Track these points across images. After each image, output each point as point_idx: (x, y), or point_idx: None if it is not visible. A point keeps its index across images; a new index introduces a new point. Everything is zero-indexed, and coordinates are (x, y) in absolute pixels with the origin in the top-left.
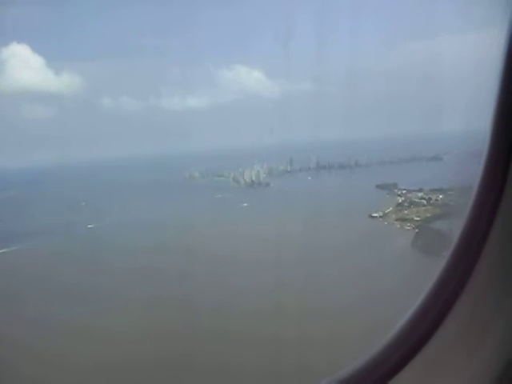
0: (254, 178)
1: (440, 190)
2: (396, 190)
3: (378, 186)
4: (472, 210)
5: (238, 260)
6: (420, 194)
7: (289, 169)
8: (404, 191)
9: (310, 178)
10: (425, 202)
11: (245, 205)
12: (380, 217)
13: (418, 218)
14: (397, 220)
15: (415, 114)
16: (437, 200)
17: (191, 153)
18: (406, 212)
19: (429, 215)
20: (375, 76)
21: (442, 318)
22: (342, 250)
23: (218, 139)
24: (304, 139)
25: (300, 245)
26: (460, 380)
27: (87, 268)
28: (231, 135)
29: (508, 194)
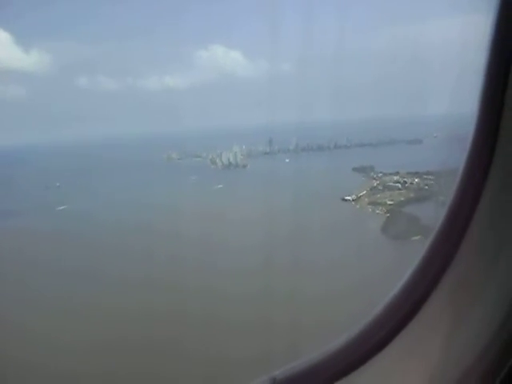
0: (231, 160)
1: (416, 174)
2: (372, 173)
3: (354, 169)
4: (457, 191)
5: (204, 240)
6: (396, 178)
7: (268, 150)
8: (380, 174)
9: (287, 160)
10: (399, 185)
11: (219, 186)
12: (353, 200)
13: (391, 202)
14: (369, 204)
15: (398, 97)
16: (412, 184)
17: (170, 133)
18: (379, 196)
19: (402, 199)
20: (357, 58)
21: (425, 299)
22: (310, 234)
23: (196, 119)
24: (284, 120)
25: (267, 227)
26: (445, 356)
27: (49, 247)
28: (210, 115)
29: (493, 175)
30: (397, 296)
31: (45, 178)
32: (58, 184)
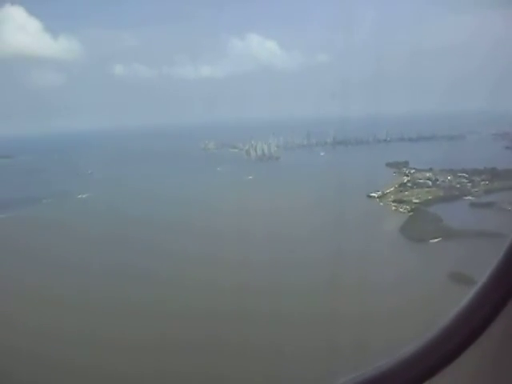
0: (265, 151)
1: (450, 171)
2: (404, 169)
3: (388, 164)
4: None
5: (225, 233)
6: (428, 175)
7: (305, 143)
8: (413, 170)
9: (322, 153)
10: (430, 183)
11: (250, 177)
12: (378, 197)
13: (417, 201)
14: (394, 201)
15: (442, 91)
16: (444, 181)
17: (208, 123)
18: (406, 193)
19: (430, 198)
20: (398, 51)
21: (492, 317)
22: (326, 231)
23: (234, 110)
24: (323, 113)
25: (287, 221)
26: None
27: (63, 236)
28: (248, 106)
29: None
30: (466, 309)
31: (78, 166)
32: (89, 171)
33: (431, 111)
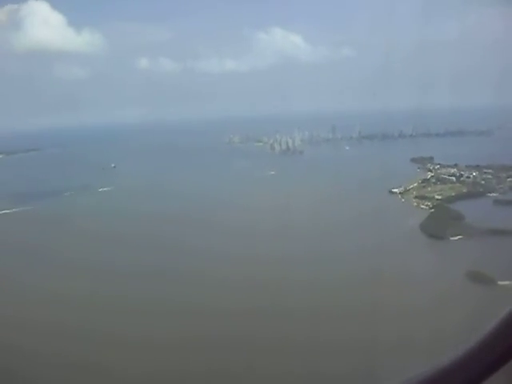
0: (289, 145)
1: (476, 167)
2: (429, 165)
3: (412, 160)
4: None
5: (245, 229)
6: (453, 171)
7: (330, 137)
8: (437, 166)
9: (347, 147)
10: (454, 179)
11: (272, 173)
12: (400, 193)
13: (440, 197)
14: (416, 197)
15: (471, 86)
16: (468, 177)
17: (232, 117)
18: (429, 189)
19: (453, 194)
20: (426, 44)
21: None
22: (344, 226)
23: (259, 103)
24: (349, 107)
25: (307, 216)
26: None
27: (79, 230)
28: (272, 100)
29: None
30: (493, 332)
31: (104, 159)
32: (113, 165)
33: (459, 106)
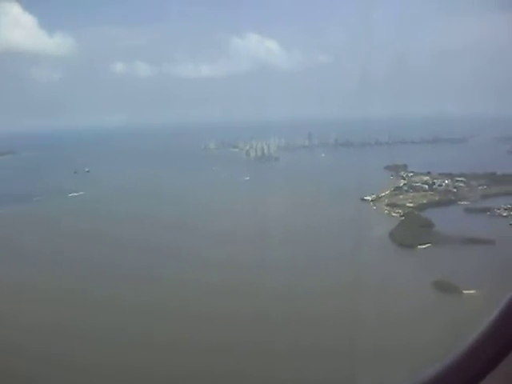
0: (265, 152)
1: (449, 175)
2: (402, 173)
3: (386, 167)
4: None
5: (214, 233)
6: (425, 178)
7: (306, 144)
8: (411, 174)
9: (323, 154)
10: (427, 187)
11: (246, 178)
12: (371, 200)
13: (411, 205)
14: (388, 205)
15: (447, 94)
16: (440, 185)
17: (209, 122)
18: (401, 197)
19: (424, 202)
20: (401, 53)
21: None
22: (314, 234)
23: (235, 109)
24: (325, 114)
25: (275, 223)
26: None
27: (44, 235)
28: (249, 106)
29: None
30: (493, 324)
31: (79, 163)
32: (87, 169)
33: (435, 114)
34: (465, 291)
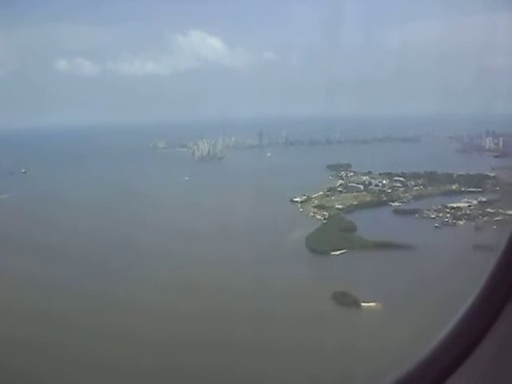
0: (210, 151)
1: (388, 175)
2: (343, 172)
3: (329, 167)
4: None
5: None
6: (364, 178)
7: (256, 143)
8: (351, 174)
9: (269, 154)
10: (362, 187)
11: (186, 178)
12: (300, 202)
13: (340, 206)
14: (316, 207)
15: (399, 92)
16: (377, 186)
17: (161, 121)
18: (332, 198)
19: (355, 203)
20: (351, 50)
21: (494, 318)
22: (230, 236)
23: (186, 108)
24: (277, 113)
25: (194, 224)
26: None
27: None
28: (200, 105)
29: None
30: (461, 321)
31: (17, 164)
32: (23, 170)
33: (389, 113)
34: (364, 304)
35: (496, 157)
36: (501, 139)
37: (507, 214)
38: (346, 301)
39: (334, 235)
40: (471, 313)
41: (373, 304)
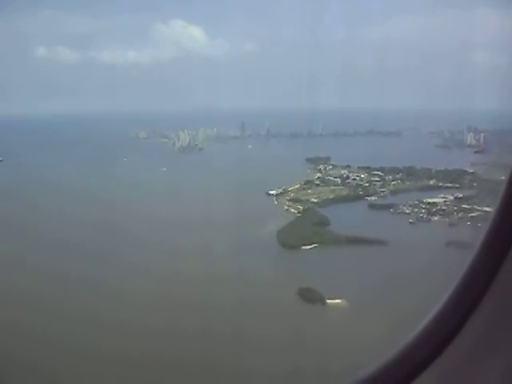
0: (191, 142)
1: (367, 169)
2: (321, 165)
3: (307, 160)
4: (500, 205)
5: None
6: (343, 171)
7: (238, 134)
8: (330, 167)
9: (250, 146)
10: (339, 180)
11: (164, 169)
12: (276, 194)
13: (315, 200)
14: (291, 200)
15: (382, 86)
16: (354, 179)
17: (144, 111)
18: (309, 191)
19: (331, 197)
20: (336, 42)
21: (466, 318)
22: (199, 229)
23: (167, 97)
24: (260, 104)
25: (163, 217)
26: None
27: None
28: (182, 94)
29: None
30: (433, 320)
31: None
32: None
33: (372, 107)
34: (329, 301)
35: (476, 152)
36: (482, 135)
37: (482, 211)
38: (311, 297)
39: (306, 229)
40: (445, 310)
41: (339, 301)
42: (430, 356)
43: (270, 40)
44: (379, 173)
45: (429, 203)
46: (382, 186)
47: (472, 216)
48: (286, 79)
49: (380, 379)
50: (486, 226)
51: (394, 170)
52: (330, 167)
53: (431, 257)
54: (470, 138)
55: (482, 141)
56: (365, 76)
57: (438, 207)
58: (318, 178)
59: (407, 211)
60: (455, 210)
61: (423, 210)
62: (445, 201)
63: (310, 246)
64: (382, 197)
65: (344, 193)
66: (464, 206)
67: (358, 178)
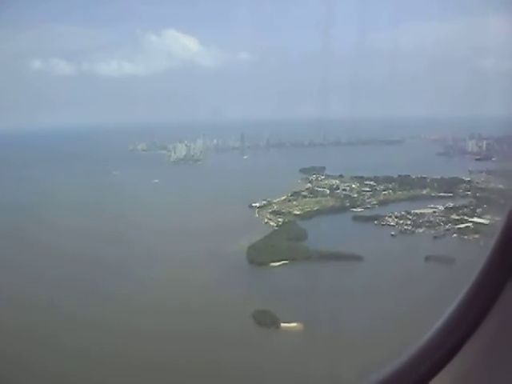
0: (187, 154)
1: (360, 178)
2: (313, 176)
3: (301, 170)
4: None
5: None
6: (334, 182)
7: (237, 145)
8: (322, 177)
9: (246, 156)
10: (328, 191)
11: (156, 181)
12: (259, 207)
13: (298, 212)
14: (271, 213)
15: (385, 94)
16: (344, 190)
17: (142, 122)
18: (294, 203)
19: (316, 208)
20: (331, 50)
21: (481, 318)
22: (171, 241)
23: (168, 109)
24: (259, 114)
25: (156, 224)
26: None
27: None
28: (182, 105)
29: None
30: (439, 331)
31: None
32: None
33: (377, 116)
34: (284, 324)
35: (477, 160)
36: (484, 142)
37: (471, 222)
38: (265, 320)
39: (279, 245)
40: (460, 310)
41: (293, 324)
42: (445, 357)
43: (269, 49)
44: (371, 182)
45: (416, 214)
46: (371, 197)
47: (459, 228)
48: (287, 89)
49: (395, 381)
50: (500, 226)
51: (387, 180)
52: (323, 177)
53: (407, 273)
54: (471, 145)
55: (484, 148)
56: (372, 84)
57: (425, 218)
58: (307, 189)
59: (392, 223)
60: (443, 222)
61: (409, 222)
62: (434, 211)
63: (278, 263)
64: (368, 208)
65: (330, 204)
66: (453, 216)
67: (348, 189)
